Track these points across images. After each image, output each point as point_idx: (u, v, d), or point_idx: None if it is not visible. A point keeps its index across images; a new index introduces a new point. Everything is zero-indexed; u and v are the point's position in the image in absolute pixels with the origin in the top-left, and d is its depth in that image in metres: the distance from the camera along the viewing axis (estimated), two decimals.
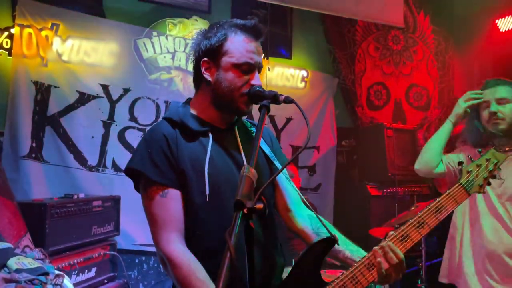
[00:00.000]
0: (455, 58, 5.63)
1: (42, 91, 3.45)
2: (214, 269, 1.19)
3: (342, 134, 4.95)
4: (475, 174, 1.49)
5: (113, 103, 3.75)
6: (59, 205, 2.75)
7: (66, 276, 2.17)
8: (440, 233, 4.23)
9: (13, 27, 3.39)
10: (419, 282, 3.28)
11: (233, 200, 0.97)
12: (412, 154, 4.57)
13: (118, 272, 3.20)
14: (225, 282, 0.82)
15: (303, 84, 4.73)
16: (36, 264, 2.11)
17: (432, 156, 2.32)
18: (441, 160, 2.33)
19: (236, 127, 1.53)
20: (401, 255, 1.30)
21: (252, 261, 1.00)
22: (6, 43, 3.40)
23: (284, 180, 1.57)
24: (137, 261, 3.77)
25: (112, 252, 3.15)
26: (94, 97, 3.67)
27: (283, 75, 4.63)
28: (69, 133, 3.55)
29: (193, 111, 1.51)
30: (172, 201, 1.38)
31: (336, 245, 1.36)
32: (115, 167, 3.73)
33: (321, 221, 1.40)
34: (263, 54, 1.51)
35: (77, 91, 3.60)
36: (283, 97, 1.31)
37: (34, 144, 3.41)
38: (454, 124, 2.34)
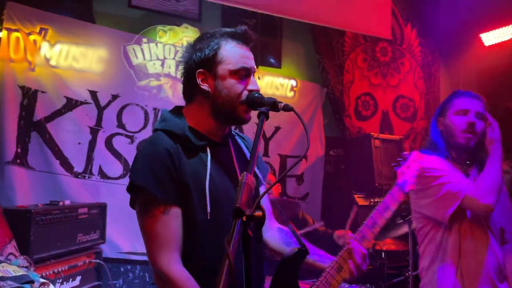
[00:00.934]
0: (441, 70, 5.74)
1: (29, 96, 3.40)
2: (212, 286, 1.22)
3: (330, 143, 4.98)
4: (407, 175, 1.78)
5: (101, 109, 3.71)
6: (44, 212, 2.70)
7: (51, 284, 2.12)
8: None
9: (0, 30, 3.34)
10: None
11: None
12: None
13: (103, 281, 3.14)
14: None
15: (292, 93, 4.76)
16: (21, 271, 2.05)
17: None
18: None
19: (230, 140, 1.53)
20: (364, 250, 1.50)
21: (249, 268, 0.99)
22: None
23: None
24: (122, 269, 3.71)
25: (98, 261, 3.09)
26: (82, 103, 3.63)
27: (273, 84, 4.66)
28: (55, 139, 3.49)
29: (190, 123, 1.46)
30: (174, 220, 1.35)
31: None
32: (102, 174, 3.68)
33: (292, 232, 1.47)
34: (254, 61, 1.50)
35: (64, 96, 3.56)
36: (282, 104, 1.31)
37: (19, 150, 3.34)
38: None
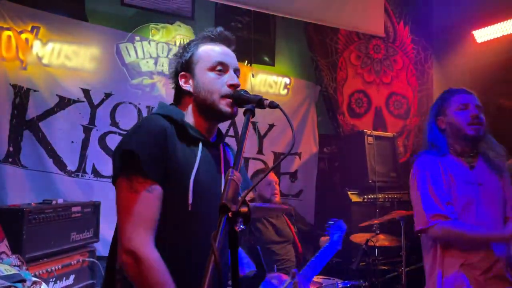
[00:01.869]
0: (434, 67, 5.77)
1: (21, 94, 3.39)
2: (179, 273, 1.27)
3: (324, 141, 4.99)
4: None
5: (94, 108, 3.70)
6: (37, 210, 2.69)
7: (43, 283, 2.13)
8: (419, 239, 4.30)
9: None
10: (398, 287, 3.32)
11: (213, 214, 0.97)
12: (392, 161, 4.65)
13: (97, 279, 3.14)
14: (209, 285, 0.82)
15: (285, 91, 4.77)
16: (12, 270, 2.05)
17: None
18: None
19: (222, 144, 1.57)
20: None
21: (236, 265, 1.00)
22: None
23: None
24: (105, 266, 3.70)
25: (91, 259, 3.09)
26: (75, 102, 3.61)
27: (266, 82, 4.66)
28: (48, 138, 3.48)
29: (186, 119, 1.50)
30: (156, 200, 1.32)
31: None
32: (95, 172, 3.67)
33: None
34: (235, 59, 1.54)
35: (57, 95, 3.54)
36: (268, 101, 1.31)
37: (11, 149, 3.33)
38: None
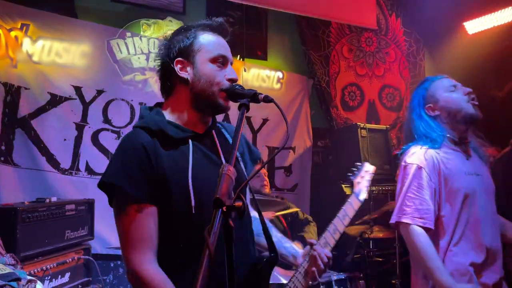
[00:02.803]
0: (426, 59, 5.79)
1: (12, 92, 3.36)
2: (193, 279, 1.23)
3: (318, 134, 5.00)
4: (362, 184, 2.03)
5: (86, 105, 3.68)
6: (31, 209, 2.67)
7: (38, 281, 2.12)
8: None
9: None
10: (394, 279, 3.35)
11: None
12: (385, 154, 4.67)
13: (93, 276, 3.13)
14: (204, 280, 0.82)
15: (278, 85, 4.76)
16: (7, 269, 2.04)
17: None
18: None
19: (213, 130, 1.52)
20: (329, 254, 1.63)
21: (231, 259, 1.00)
22: None
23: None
24: (112, 265, 3.70)
25: (86, 257, 3.08)
26: (67, 99, 3.59)
27: (259, 76, 4.65)
28: (40, 136, 3.46)
29: (169, 118, 1.45)
30: (148, 218, 1.32)
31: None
32: (89, 170, 3.66)
33: (264, 225, 1.46)
34: (230, 52, 1.51)
35: (48, 92, 3.52)
36: (262, 96, 1.30)
37: (3, 147, 3.31)
38: None
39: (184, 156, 1.38)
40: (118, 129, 3.79)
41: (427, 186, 1.94)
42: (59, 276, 2.84)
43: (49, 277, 2.73)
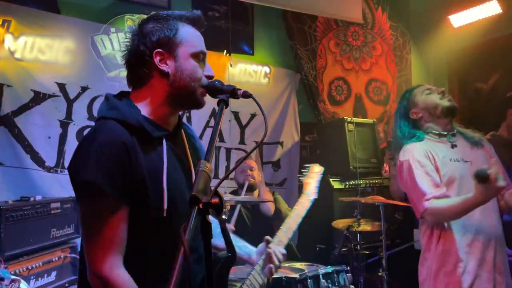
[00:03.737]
0: (412, 53, 5.82)
1: None
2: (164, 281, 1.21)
3: (305, 129, 5.01)
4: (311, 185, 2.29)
5: (70, 102, 3.63)
6: (15, 208, 2.65)
7: (22, 280, 2.10)
8: (401, 223, 4.38)
9: None
10: (380, 271, 3.38)
11: (187, 212, 0.94)
12: (372, 148, 4.70)
13: None
14: (178, 278, 0.81)
15: (266, 80, 4.75)
16: None
17: None
18: None
19: (182, 130, 1.49)
20: (283, 251, 1.75)
21: (210, 256, 1.00)
22: None
23: None
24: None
25: (73, 255, 3.07)
26: (50, 96, 3.54)
27: (246, 71, 4.64)
28: (24, 134, 3.41)
29: (143, 112, 1.36)
30: (121, 221, 1.26)
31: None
32: None
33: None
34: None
35: (31, 90, 3.46)
36: (241, 91, 1.29)
37: None
38: None
39: (159, 157, 1.33)
40: None
41: (426, 164, 2.16)
42: (45, 275, 2.83)
43: (35, 276, 2.71)
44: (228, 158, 4.45)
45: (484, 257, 2.10)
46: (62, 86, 3.59)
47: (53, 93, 3.56)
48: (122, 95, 1.44)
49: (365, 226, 3.54)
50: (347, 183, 4.33)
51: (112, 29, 3.86)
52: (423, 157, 2.18)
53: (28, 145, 3.43)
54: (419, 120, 2.34)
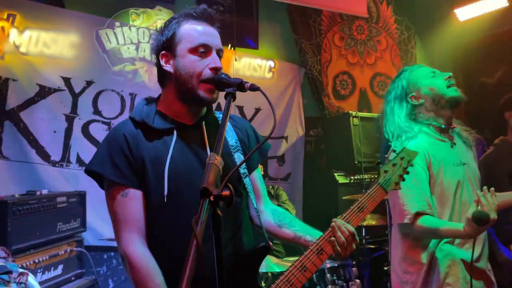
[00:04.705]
0: (417, 47, 5.79)
1: (0, 84, 3.31)
2: (169, 268, 1.29)
3: (310, 123, 5.00)
4: (391, 173, 1.58)
5: (75, 96, 3.64)
6: (21, 202, 2.66)
7: (30, 274, 2.11)
8: None
9: None
10: (385, 265, 3.38)
11: (194, 200, 0.97)
12: (377, 142, 4.68)
13: (86, 268, 3.13)
14: (191, 270, 0.81)
15: (270, 74, 4.74)
16: None
17: None
18: None
19: (204, 122, 1.49)
20: (352, 229, 1.40)
21: (220, 248, 1.00)
22: None
23: (257, 176, 1.61)
24: (105, 256, 3.70)
25: (79, 249, 3.08)
26: (56, 90, 3.55)
27: (251, 66, 4.63)
28: (30, 128, 3.43)
29: (160, 108, 1.49)
30: (132, 201, 1.38)
31: (296, 232, 1.53)
32: (80, 162, 3.63)
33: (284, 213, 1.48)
34: (218, 38, 1.48)
35: (37, 84, 3.47)
36: (248, 84, 1.29)
37: None
38: None
39: (165, 147, 1.41)
40: (108, 120, 3.76)
41: (419, 178, 1.93)
42: (52, 268, 2.84)
43: (42, 270, 2.73)
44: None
45: None
46: (67, 80, 3.60)
47: (58, 87, 3.56)
48: (158, 95, 1.56)
49: (370, 221, 3.54)
50: (352, 177, 4.32)
51: (117, 23, 3.85)
52: (418, 168, 1.90)
53: (33, 139, 3.44)
54: (419, 107, 2.04)
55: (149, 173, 1.38)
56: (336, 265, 2.90)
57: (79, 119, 3.65)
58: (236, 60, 4.46)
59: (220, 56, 1.47)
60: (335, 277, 2.85)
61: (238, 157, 1.51)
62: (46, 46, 3.52)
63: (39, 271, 2.71)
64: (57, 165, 3.54)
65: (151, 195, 1.39)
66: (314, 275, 2.84)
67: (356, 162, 4.32)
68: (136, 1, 4.01)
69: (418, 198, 1.92)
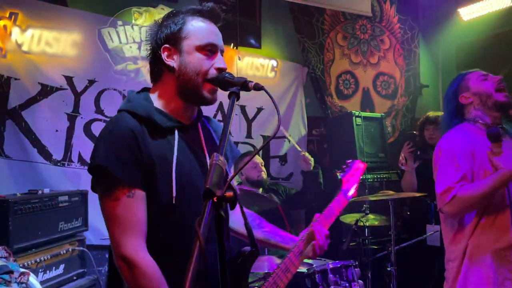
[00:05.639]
0: (420, 47, 5.76)
1: (2, 83, 3.30)
2: (173, 270, 1.23)
3: (313, 123, 4.98)
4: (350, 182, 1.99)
5: (77, 95, 3.63)
6: (23, 201, 2.65)
7: (32, 273, 2.10)
8: (409, 218, 4.35)
9: None
10: (388, 266, 3.36)
11: (197, 202, 0.96)
12: (380, 142, 4.67)
13: (88, 268, 3.13)
14: (194, 272, 0.80)
15: (273, 73, 4.72)
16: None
17: None
18: None
19: (199, 123, 1.50)
20: (326, 231, 1.62)
21: (223, 250, 0.98)
22: None
23: None
24: (107, 256, 3.69)
25: (81, 248, 3.07)
26: (58, 89, 3.54)
27: (253, 65, 4.61)
28: (31, 127, 3.41)
29: (156, 104, 1.42)
30: (139, 203, 1.30)
31: (266, 234, 1.61)
32: (82, 161, 3.62)
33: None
34: (221, 39, 1.47)
35: (39, 83, 3.46)
36: (252, 83, 1.27)
37: None
38: None
39: (169, 146, 1.37)
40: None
41: (462, 158, 2.05)
42: (54, 268, 2.83)
43: (43, 269, 2.72)
44: None
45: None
46: (69, 79, 3.59)
47: (61, 86, 3.55)
48: (143, 90, 1.49)
49: (373, 221, 3.52)
50: None
51: (119, 22, 3.84)
52: (461, 150, 2.05)
53: (35, 138, 3.43)
54: (468, 106, 2.19)
55: (157, 173, 1.32)
56: (338, 265, 2.88)
57: (81, 118, 3.64)
58: (239, 59, 4.45)
59: (222, 55, 1.45)
60: (337, 278, 2.83)
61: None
62: (48, 44, 3.51)
63: (40, 270, 2.70)
64: (59, 164, 3.53)
65: (159, 196, 1.32)
66: (317, 275, 2.82)
67: None
68: (139, 0, 3.99)
69: (451, 176, 2.02)
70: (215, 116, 4.24)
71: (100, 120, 3.71)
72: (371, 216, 3.52)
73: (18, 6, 3.38)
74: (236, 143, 4.44)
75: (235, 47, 4.46)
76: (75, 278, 3.00)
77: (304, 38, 4.91)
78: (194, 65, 1.38)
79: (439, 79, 5.73)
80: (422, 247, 3.61)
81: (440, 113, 3.47)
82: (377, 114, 4.83)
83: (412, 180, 3.75)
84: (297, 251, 1.56)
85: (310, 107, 4.97)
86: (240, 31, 4.51)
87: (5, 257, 2.16)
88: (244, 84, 1.28)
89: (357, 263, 2.96)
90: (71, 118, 3.60)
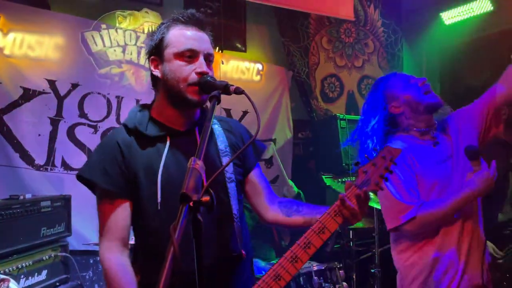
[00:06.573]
0: (404, 50, 5.84)
1: None
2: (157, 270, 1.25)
3: (298, 126, 5.00)
4: (371, 173, 1.46)
5: (61, 99, 3.59)
6: (3, 206, 2.61)
7: (12, 280, 2.07)
8: None
9: None
10: (372, 268, 3.39)
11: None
12: None
13: (71, 273, 3.09)
14: (167, 277, 0.80)
15: (258, 77, 4.74)
16: None
17: None
18: None
19: (197, 127, 1.50)
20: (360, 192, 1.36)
21: (201, 255, 0.99)
22: None
23: (257, 175, 1.60)
24: (91, 261, 3.66)
25: (64, 254, 3.04)
26: (40, 93, 3.50)
27: (238, 68, 4.62)
28: (13, 132, 3.37)
29: (153, 114, 1.50)
30: (118, 209, 1.41)
31: (305, 216, 1.47)
32: (65, 165, 3.58)
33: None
34: (210, 44, 1.49)
35: (21, 87, 3.42)
36: (233, 87, 1.30)
37: None
38: None
39: (158, 154, 1.42)
40: (94, 123, 3.72)
41: (406, 178, 1.95)
42: (36, 274, 2.80)
43: (25, 275, 2.68)
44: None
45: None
46: (52, 83, 3.55)
47: (43, 90, 3.52)
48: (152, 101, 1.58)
49: (358, 223, 3.54)
50: (339, 180, 4.33)
51: (103, 26, 3.82)
52: (402, 167, 1.92)
53: (17, 143, 3.39)
54: (398, 116, 2.06)
55: (142, 181, 1.40)
56: (323, 267, 2.90)
57: (64, 122, 3.60)
58: (223, 63, 4.45)
59: (210, 61, 1.47)
60: (322, 280, 2.85)
61: (226, 162, 1.50)
62: (30, 48, 3.48)
63: (22, 276, 2.66)
64: (41, 169, 3.49)
65: (144, 203, 1.40)
66: (301, 278, 2.83)
67: (344, 165, 4.32)
68: (123, 3, 3.97)
69: (409, 193, 1.92)
70: None
71: (84, 124, 3.68)
72: None
73: (0, 10, 3.35)
74: None
75: (220, 51, 4.47)
76: (58, 284, 2.96)
77: (289, 42, 4.94)
78: (174, 72, 1.42)
79: None
80: None
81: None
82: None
83: None
84: (289, 255, 1.33)
85: (295, 111, 5.00)
86: (226, 34, 4.52)
87: None
88: (225, 88, 1.30)
89: (341, 265, 2.99)
90: (54, 122, 3.57)
